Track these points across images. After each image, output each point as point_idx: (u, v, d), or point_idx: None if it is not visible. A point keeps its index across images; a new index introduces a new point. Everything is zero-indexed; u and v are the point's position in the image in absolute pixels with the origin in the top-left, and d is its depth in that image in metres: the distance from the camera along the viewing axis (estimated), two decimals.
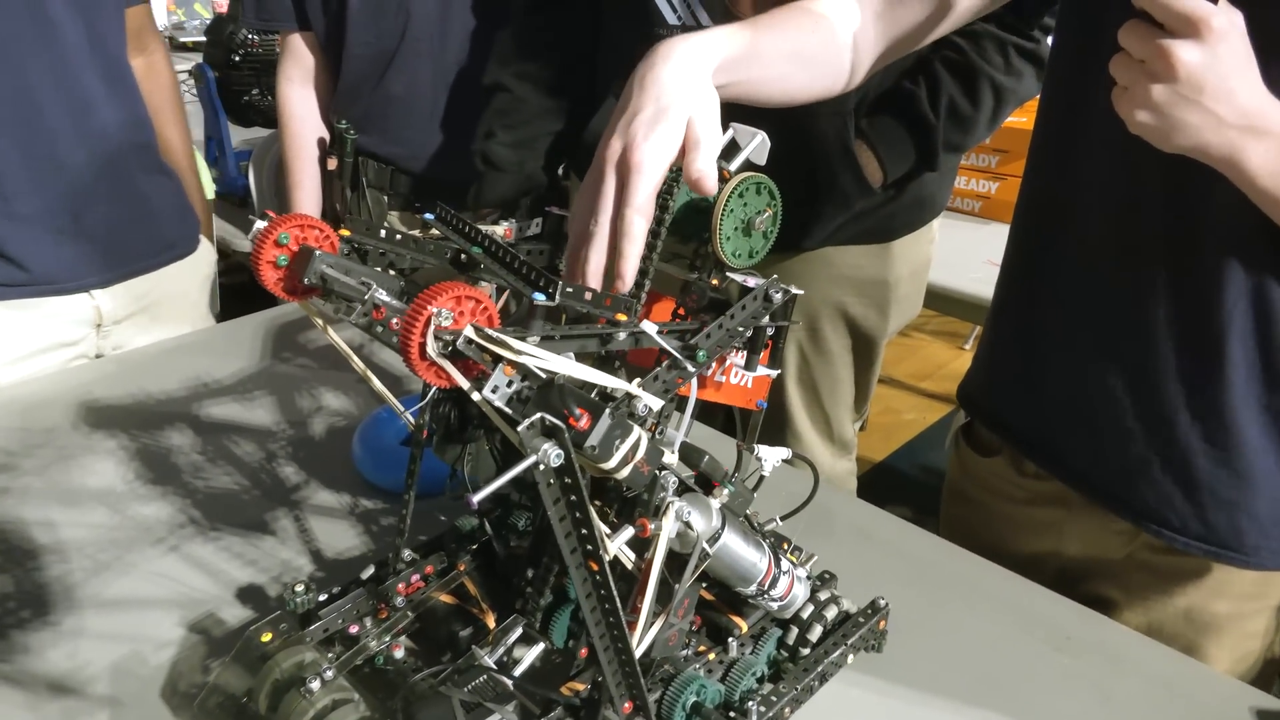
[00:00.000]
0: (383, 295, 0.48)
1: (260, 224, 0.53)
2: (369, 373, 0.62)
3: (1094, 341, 0.80)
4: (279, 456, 0.96)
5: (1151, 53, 0.58)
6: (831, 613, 0.69)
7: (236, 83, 1.93)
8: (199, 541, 0.83)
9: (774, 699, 0.63)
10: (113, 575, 0.78)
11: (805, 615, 0.68)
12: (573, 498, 0.41)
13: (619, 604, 0.46)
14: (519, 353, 0.42)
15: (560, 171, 1.52)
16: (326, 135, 1.40)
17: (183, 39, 2.93)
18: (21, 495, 0.87)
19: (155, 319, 1.27)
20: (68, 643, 0.71)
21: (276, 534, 0.84)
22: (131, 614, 0.74)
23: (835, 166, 1.14)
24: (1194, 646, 0.80)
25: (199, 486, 0.90)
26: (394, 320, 0.49)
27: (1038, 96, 0.94)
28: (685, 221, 0.63)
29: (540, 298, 0.45)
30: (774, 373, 0.63)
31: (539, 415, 0.39)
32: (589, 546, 0.44)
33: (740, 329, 0.56)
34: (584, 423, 0.40)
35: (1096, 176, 0.77)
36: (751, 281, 0.59)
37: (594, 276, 0.58)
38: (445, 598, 0.70)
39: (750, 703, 0.61)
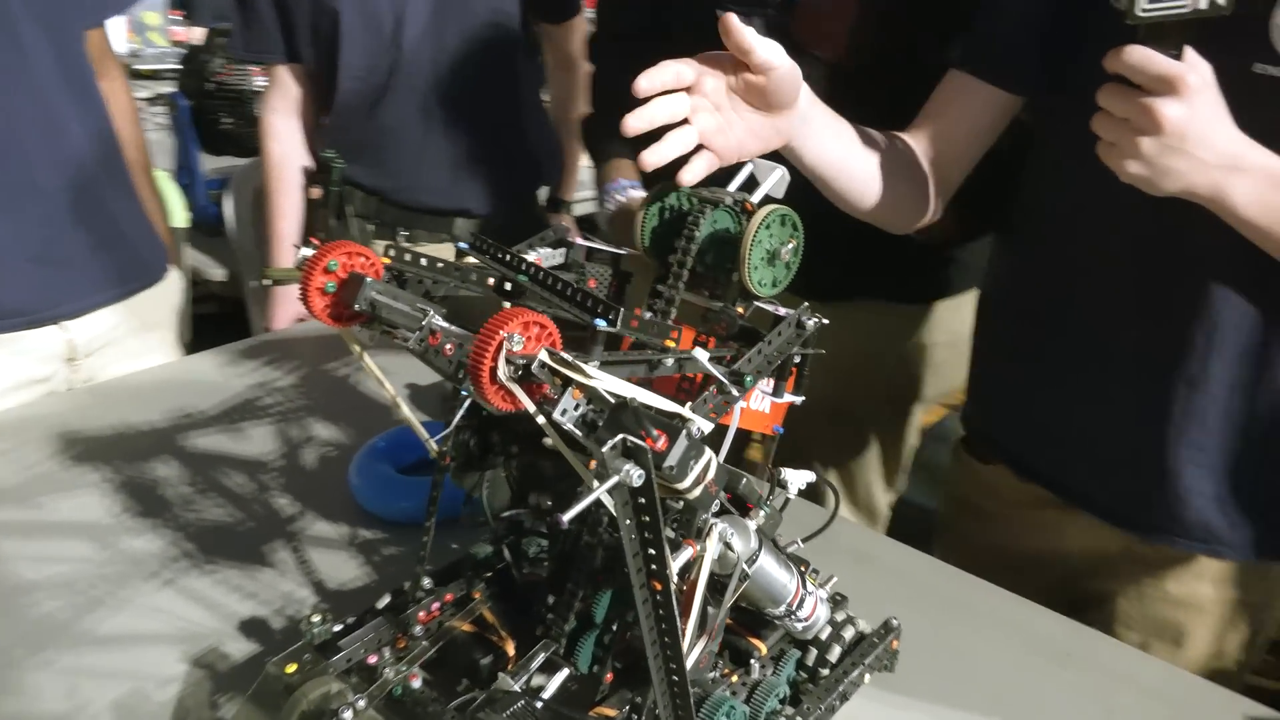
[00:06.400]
0: (439, 321, 0.49)
1: (306, 251, 0.53)
2: (399, 399, 0.62)
3: (1087, 375, 0.85)
4: (271, 487, 0.94)
5: (1135, 111, 0.64)
6: (849, 633, 0.70)
7: (209, 111, 1.93)
8: (194, 575, 0.81)
9: (799, 719, 0.64)
10: (107, 611, 0.76)
11: (823, 637, 0.69)
12: (646, 518, 0.42)
13: (679, 624, 0.47)
14: (590, 376, 0.43)
15: (546, 203, 1.53)
16: (310, 165, 1.39)
17: (137, 66, 2.88)
18: (4, 529, 0.84)
19: (126, 351, 1.23)
20: (65, 681, 0.68)
21: (275, 566, 0.83)
22: (130, 650, 0.72)
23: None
24: (1183, 629, 0.86)
25: (190, 519, 0.88)
26: (448, 345, 0.50)
27: None
28: (710, 251, 0.64)
29: (602, 324, 0.46)
30: (798, 399, 0.65)
31: (621, 436, 0.40)
32: (654, 566, 0.44)
33: (776, 355, 0.58)
34: (662, 444, 0.41)
35: (1083, 214, 0.83)
36: (781, 310, 0.60)
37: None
38: (465, 626, 0.70)
39: None
